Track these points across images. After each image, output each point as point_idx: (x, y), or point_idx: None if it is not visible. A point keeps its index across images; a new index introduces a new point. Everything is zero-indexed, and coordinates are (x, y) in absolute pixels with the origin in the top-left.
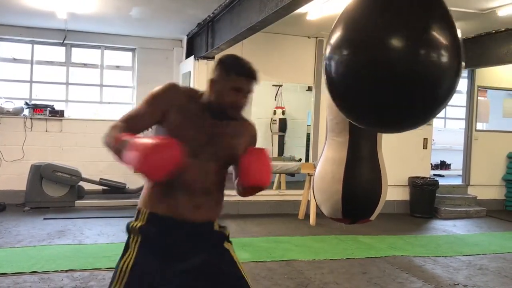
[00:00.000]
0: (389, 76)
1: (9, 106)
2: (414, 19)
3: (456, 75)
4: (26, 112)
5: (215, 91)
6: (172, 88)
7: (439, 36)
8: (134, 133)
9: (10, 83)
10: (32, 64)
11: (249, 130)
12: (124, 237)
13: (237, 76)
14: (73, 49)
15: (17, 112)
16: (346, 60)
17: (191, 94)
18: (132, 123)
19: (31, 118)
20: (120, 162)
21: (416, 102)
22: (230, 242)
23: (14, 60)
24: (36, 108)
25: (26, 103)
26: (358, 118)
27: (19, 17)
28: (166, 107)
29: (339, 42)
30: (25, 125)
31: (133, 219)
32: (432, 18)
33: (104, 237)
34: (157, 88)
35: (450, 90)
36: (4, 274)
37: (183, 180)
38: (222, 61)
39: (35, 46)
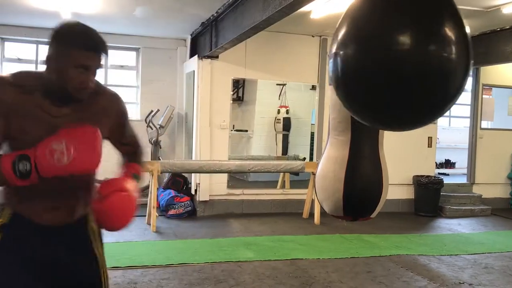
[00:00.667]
0: (397, 73)
1: None
2: (422, 15)
3: (466, 72)
4: None
5: (53, 71)
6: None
7: (448, 32)
8: None
9: None
10: (36, 64)
11: (109, 106)
12: (129, 236)
13: (81, 51)
14: None
15: None
16: (354, 57)
17: (21, 82)
18: None
19: None
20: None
21: (425, 99)
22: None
23: (19, 60)
24: None
25: None
26: (365, 116)
27: (24, 17)
28: (4, 111)
29: (347, 39)
30: None
31: None
32: (441, 14)
33: (109, 236)
34: None
35: (459, 87)
36: None
37: (42, 184)
38: (59, 32)
39: (40, 46)
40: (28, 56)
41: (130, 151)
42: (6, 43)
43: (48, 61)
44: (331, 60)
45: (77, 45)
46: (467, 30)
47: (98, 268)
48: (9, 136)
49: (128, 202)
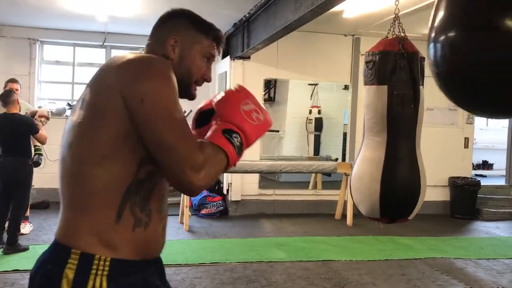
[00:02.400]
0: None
1: (52, 107)
2: None
3: None
4: (68, 112)
5: (179, 55)
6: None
7: None
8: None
9: (53, 85)
10: (73, 66)
11: None
12: None
13: (213, 41)
14: (113, 50)
15: (59, 113)
16: (456, 42)
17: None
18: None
19: None
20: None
21: None
22: None
23: (57, 62)
24: None
25: (68, 104)
26: (470, 106)
27: (61, 20)
28: None
29: (445, 23)
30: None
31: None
32: None
33: None
34: (159, 76)
35: None
36: None
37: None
38: (190, 15)
39: (76, 48)
40: (66, 59)
41: None
42: (45, 46)
43: (171, 41)
44: (431, 45)
45: (210, 33)
46: None
47: None
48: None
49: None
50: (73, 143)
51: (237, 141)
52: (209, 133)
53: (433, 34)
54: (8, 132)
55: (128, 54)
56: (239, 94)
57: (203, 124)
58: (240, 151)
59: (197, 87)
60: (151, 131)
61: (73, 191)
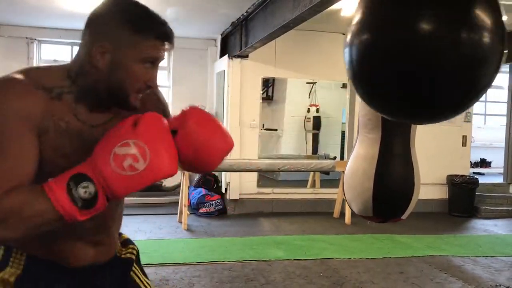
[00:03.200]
0: (422, 61)
1: None
2: None
3: (499, 60)
4: None
5: (109, 64)
6: (23, 91)
7: (482, 17)
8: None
9: None
10: None
11: (147, 102)
12: (161, 233)
13: (149, 39)
14: None
15: None
16: (369, 44)
17: (45, 83)
18: (21, 181)
19: None
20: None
21: (453, 89)
22: (136, 264)
23: (55, 61)
24: None
25: None
26: (387, 110)
27: (59, 20)
28: (38, 129)
29: (362, 26)
30: None
31: None
32: None
33: (141, 234)
34: (3, 103)
35: (490, 76)
36: None
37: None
38: (119, 10)
39: (74, 47)
40: (64, 58)
41: None
42: (43, 45)
43: (98, 47)
44: (346, 50)
45: (148, 31)
46: (504, 17)
47: None
48: (41, 160)
49: (211, 120)
50: None
51: (84, 192)
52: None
53: (348, 38)
54: None
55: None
56: (117, 135)
57: None
58: (89, 204)
59: (196, 86)
60: None
61: None
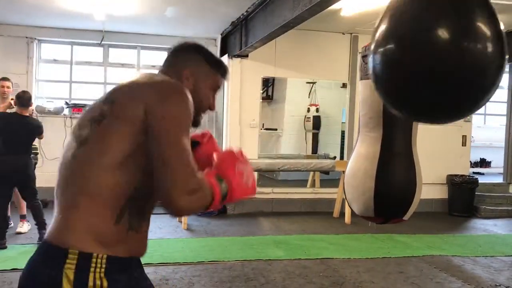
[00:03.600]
0: (435, 69)
1: (50, 105)
2: (456, 10)
3: (500, 67)
4: (66, 111)
5: (192, 85)
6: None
7: (482, 27)
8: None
9: (50, 84)
10: (71, 64)
11: None
12: (161, 233)
13: (221, 75)
14: (110, 49)
15: (57, 112)
16: (392, 55)
17: None
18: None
19: (70, 117)
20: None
21: (460, 94)
22: None
23: (55, 61)
24: (76, 107)
25: (66, 103)
26: (404, 110)
27: (59, 19)
28: None
29: (384, 37)
30: (65, 124)
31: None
32: (474, 9)
33: None
34: (184, 103)
35: (493, 83)
36: None
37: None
38: (205, 51)
39: (74, 47)
40: (63, 57)
41: None
42: (43, 45)
43: (187, 73)
44: (371, 57)
45: (221, 70)
46: (501, 25)
47: None
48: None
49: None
50: (85, 147)
51: (224, 189)
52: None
53: (373, 46)
54: (23, 134)
55: (156, 76)
56: (239, 156)
57: None
58: (223, 199)
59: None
60: (161, 146)
61: (76, 191)
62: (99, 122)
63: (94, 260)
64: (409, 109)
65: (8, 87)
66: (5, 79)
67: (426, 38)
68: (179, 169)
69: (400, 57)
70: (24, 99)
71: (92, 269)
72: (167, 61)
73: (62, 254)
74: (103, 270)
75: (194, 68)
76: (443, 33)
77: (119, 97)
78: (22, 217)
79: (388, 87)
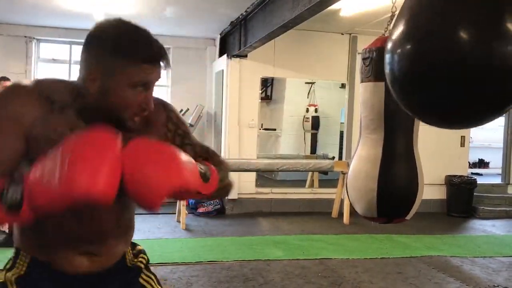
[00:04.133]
0: (458, 71)
1: None
2: (485, 10)
3: None
4: None
5: (100, 91)
6: (22, 95)
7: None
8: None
9: None
10: (70, 64)
11: (154, 118)
12: (159, 233)
13: (138, 64)
14: None
15: None
16: (410, 54)
17: (50, 95)
18: None
19: None
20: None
21: (487, 98)
22: (148, 272)
23: (53, 60)
24: None
25: None
26: (424, 115)
27: (58, 19)
28: (27, 132)
29: (402, 36)
30: None
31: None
32: (503, 8)
33: (139, 233)
34: None
35: None
36: None
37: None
38: (103, 37)
39: (73, 46)
40: (62, 57)
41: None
42: (41, 44)
43: (89, 73)
44: (388, 57)
45: (133, 57)
46: None
47: None
48: (31, 160)
49: (155, 152)
50: None
51: (13, 194)
52: None
53: (390, 45)
54: None
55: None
56: (60, 146)
57: None
58: (12, 207)
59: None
60: None
61: None
62: None
63: (21, 256)
64: (426, 112)
65: None
66: (5, 79)
67: (450, 37)
68: None
69: (420, 57)
70: None
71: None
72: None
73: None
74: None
75: (96, 67)
76: (469, 32)
77: None
78: None
79: (405, 88)
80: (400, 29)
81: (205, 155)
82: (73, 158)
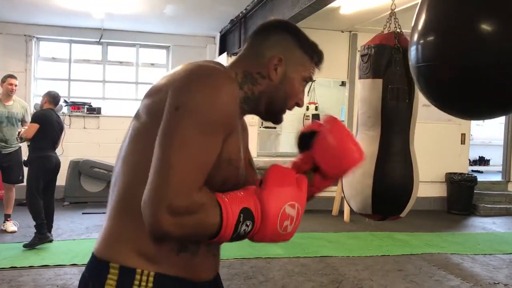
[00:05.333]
0: (480, 63)
1: None
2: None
3: None
4: (64, 109)
5: (281, 76)
6: (232, 95)
7: None
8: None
9: (49, 82)
10: (70, 62)
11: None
12: None
13: (315, 63)
14: (109, 47)
15: (56, 110)
16: (434, 47)
17: (238, 94)
18: (200, 183)
19: (69, 116)
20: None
21: (506, 90)
22: None
23: (53, 59)
24: (74, 106)
25: (65, 101)
26: (447, 106)
27: (58, 17)
28: (226, 135)
29: (426, 28)
30: (64, 122)
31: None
32: None
33: None
34: (211, 91)
35: None
36: (46, 266)
37: None
38: (301, 35)
39: (73, 45)
40: (62, 55)
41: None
42: (41, 43)
43: (272, 60)
44: (413, 49)
45: (314, 55)
46: None
47: None
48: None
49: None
50: (131, 148)
51: (244, 229)
52: (233, 193)
53: (415, 37)
54: (59, 129)
55: (200, 62)
56: (295, 194)
57: (304, 147)
58: (237, 238)
59: None
60: (161, 145)
61: (122, 198)
62: (134, 121)
63: (138, 276)
64: (447, 103)
65: (15, 85)
66: (12, 76)
67: (474, 30)
68: (169, 177)
69: (443, 50)
70: (58, 98)
71: (135, 287)
72: (248, 44)
73: (104, 267)
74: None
75: (284, 54)
76: (494, 25)
77: (150, 90)
78: (9, 217)
79: (429, 81)
80: (422, 19)
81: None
82: (298, 215)
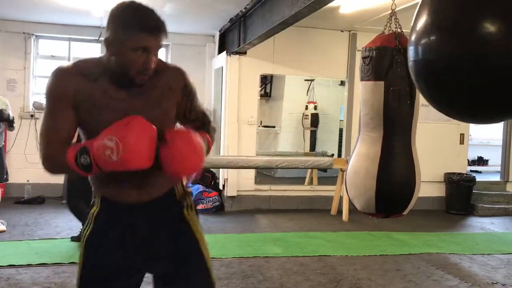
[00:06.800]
0: (482, 65)
1: None
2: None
3: None
4: None
5: (113, 55)
6: (62, 76)
7: None
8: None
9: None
10: (69, 60)
11: (173, 82)
12: None
13: (138, 33)
14: None
15: None
16: (435, 47)
17: (85, 70)
18: (59, 138)
19: None
20: (87, 173)
21: (508, 94)
22: (192, 211)
23: (52, 57)
24: None
25: None
26: (449, 110)
27: (57, 15)
28: (73, 102)
29: (426, 28)
30: None
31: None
32: None
33: None
34: (48, 85)
35: None
36: (44, 264)
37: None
38: (116, 15)
39: (72, 43)
40: (61, 53)
41: (199, 126)
42: (40, 41)
43: (107, 45)
44: (412, 49)
45: (134, 27)
46: None
47: (194, 236)
48: (82, 125)
49: (194, 145)
50: None
51: (84, 160)
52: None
53: (413, 37)
54: None
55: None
56: (112, 130)
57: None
58: (87, 169)
59: (194, 82)
60: None
61: None
62: None
63: (96, 198)
64: (449, 105)
65: None
66: None
67: (475, 28)
68: (40, 139)
69: (445, 50)
70: None
71: (95, 205)
72: None
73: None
74: None
75: (108, 35)
76: (496, 23)
77: None
78: None
79: (430, 82)
80: (422, 19)
81: (202, 120)
82: (126, 143)
